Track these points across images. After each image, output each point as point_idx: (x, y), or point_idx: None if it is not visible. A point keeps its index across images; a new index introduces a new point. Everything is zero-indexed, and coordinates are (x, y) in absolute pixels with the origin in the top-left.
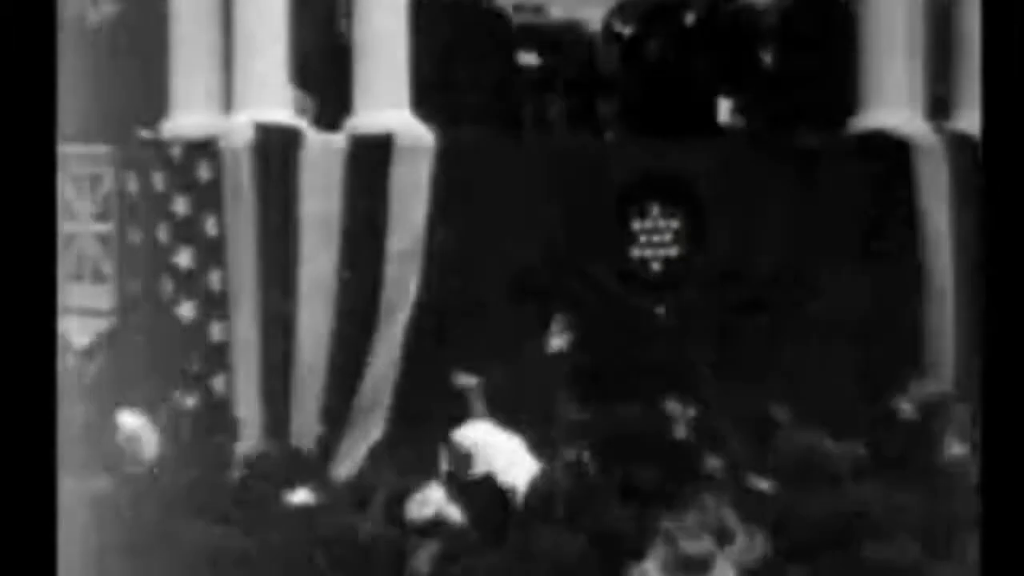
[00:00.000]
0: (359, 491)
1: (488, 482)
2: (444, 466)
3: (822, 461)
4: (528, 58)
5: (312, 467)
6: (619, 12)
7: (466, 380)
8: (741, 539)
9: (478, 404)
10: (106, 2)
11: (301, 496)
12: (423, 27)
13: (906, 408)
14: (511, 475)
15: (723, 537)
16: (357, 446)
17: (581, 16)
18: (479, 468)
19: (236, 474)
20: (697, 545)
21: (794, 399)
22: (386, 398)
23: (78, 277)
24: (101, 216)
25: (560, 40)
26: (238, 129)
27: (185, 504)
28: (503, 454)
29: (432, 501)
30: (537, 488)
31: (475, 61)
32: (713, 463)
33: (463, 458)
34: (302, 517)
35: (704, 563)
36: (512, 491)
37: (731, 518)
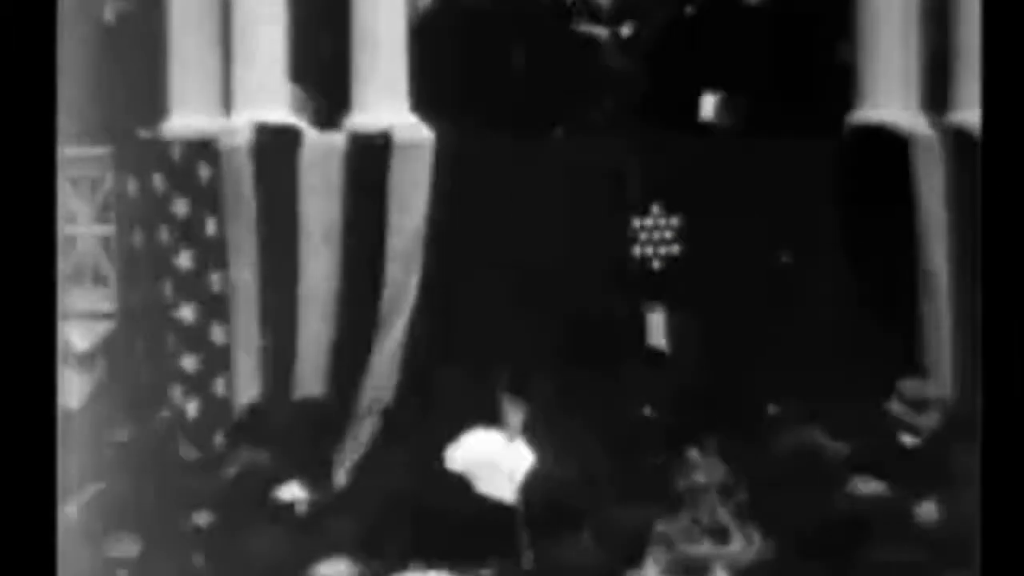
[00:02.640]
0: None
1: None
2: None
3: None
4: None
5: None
6: (617, 8)
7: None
8: (738, 539)
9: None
10: (105, 3)
11: (291, 492)
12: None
13: (899, 409)
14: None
15: (720, 537)
16: (358, 449)
17: None
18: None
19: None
20: (696, 547)
21: (791, 398)
22: (388, 399)
23: (78, 280)
24: (101, 218)
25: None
26: (238, 129)
27: None
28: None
29: None
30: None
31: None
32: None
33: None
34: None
35: (703, 565)
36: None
37: (727, 518)
